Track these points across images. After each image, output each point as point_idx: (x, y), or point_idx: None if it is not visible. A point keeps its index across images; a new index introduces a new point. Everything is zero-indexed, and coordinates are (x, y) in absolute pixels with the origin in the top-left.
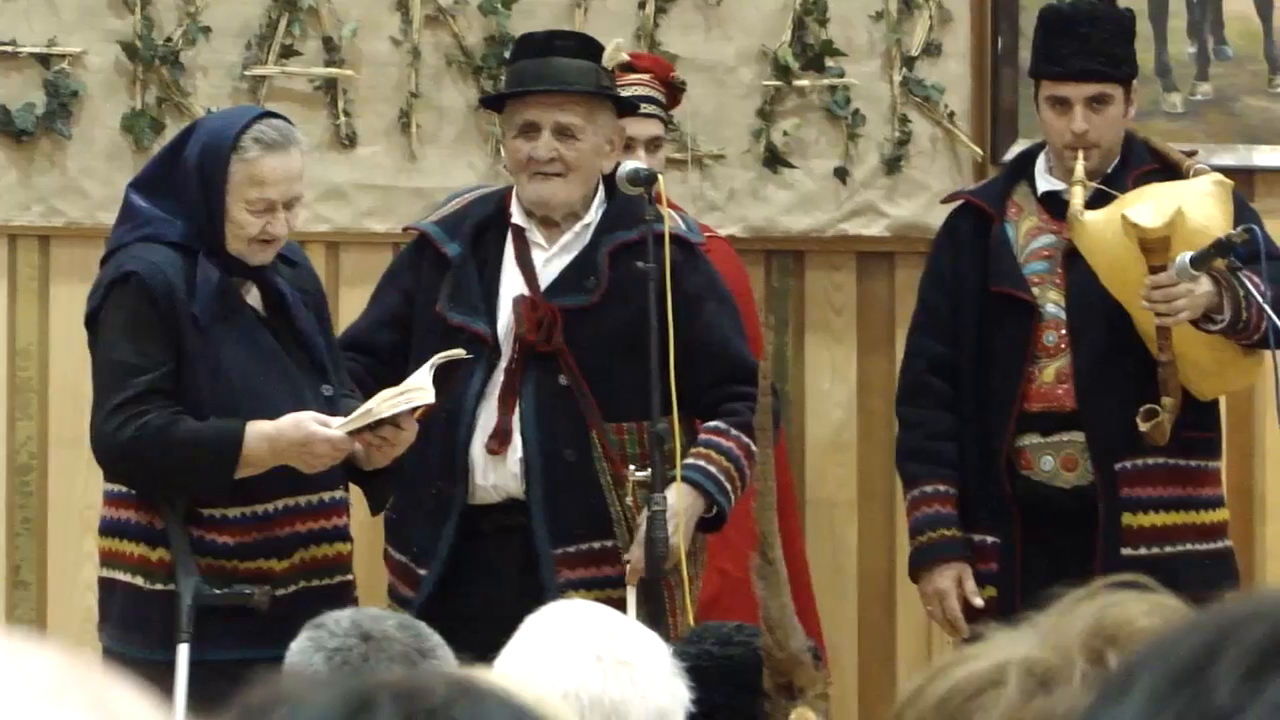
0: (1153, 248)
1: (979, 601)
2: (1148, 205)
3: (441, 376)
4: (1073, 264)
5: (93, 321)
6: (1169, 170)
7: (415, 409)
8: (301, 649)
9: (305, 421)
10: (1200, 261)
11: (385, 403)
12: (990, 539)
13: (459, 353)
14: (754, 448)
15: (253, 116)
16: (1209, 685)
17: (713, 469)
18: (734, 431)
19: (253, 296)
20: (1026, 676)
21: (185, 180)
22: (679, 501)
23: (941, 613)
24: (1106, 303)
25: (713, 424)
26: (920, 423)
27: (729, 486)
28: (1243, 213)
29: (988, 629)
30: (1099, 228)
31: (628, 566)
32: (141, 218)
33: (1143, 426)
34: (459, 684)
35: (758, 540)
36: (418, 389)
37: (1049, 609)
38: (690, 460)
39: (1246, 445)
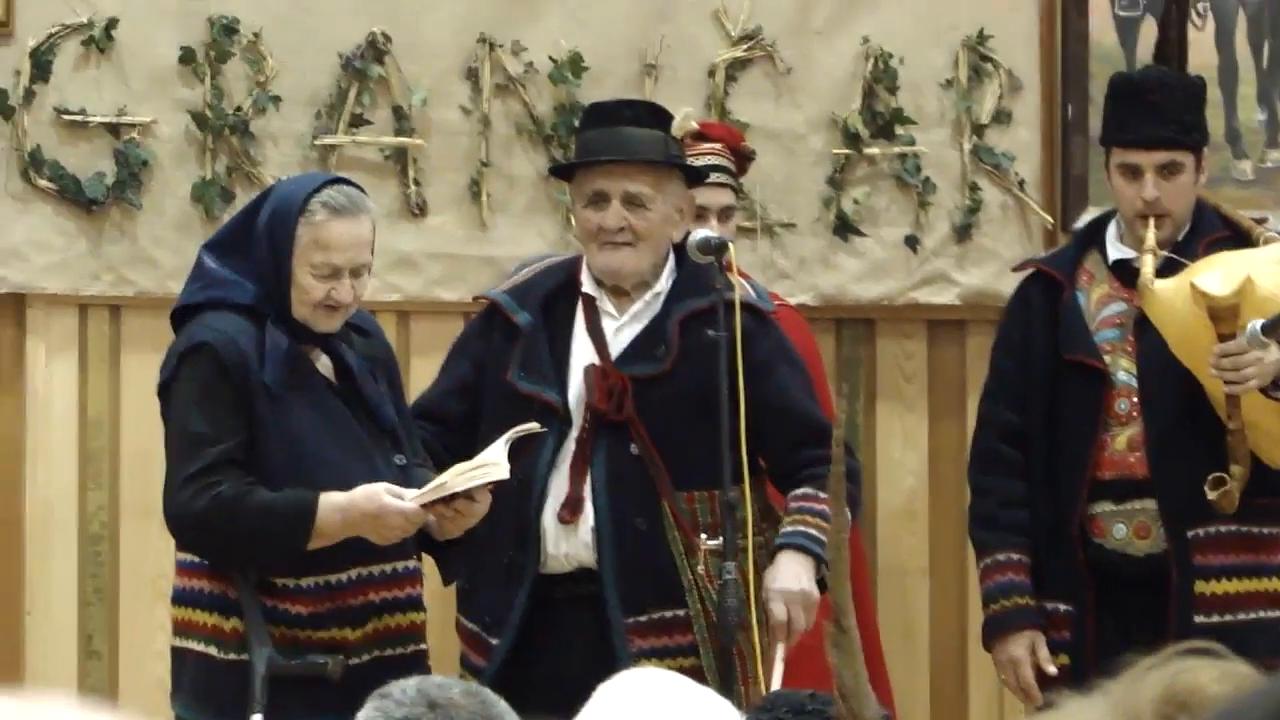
0: (1221, 315)
1: (1052, 669)
2: (1217, 273)
3: (515, 450)
4: (1144, 332)
5: (165, 391)
6: (1240, 238)
7: (489, 483)
8: (368, 717)
9: (379, 493)
10: (1272, 329)
11: (459, 476)
12: (1063, 607)
13: (534, 427)
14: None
15: (324, 181)
16: None
17: (814, 531)
18: (823, 495)
19: (323, 364)
20: None
21: (256, 243)
22: (788, 564)
23: (1015, 681)
24: (1178, 370)
25: (801, 491)
26: (992, 490)
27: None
28: None
29: (1061, 697)
30: (1169, 296)
31: (776, 627)
32: (210, 277)
33: (1211, 495)
34: None
35: (831, 608)
36: (493, 464)
37: (1121, 676)
38: (789, 528)
39: None
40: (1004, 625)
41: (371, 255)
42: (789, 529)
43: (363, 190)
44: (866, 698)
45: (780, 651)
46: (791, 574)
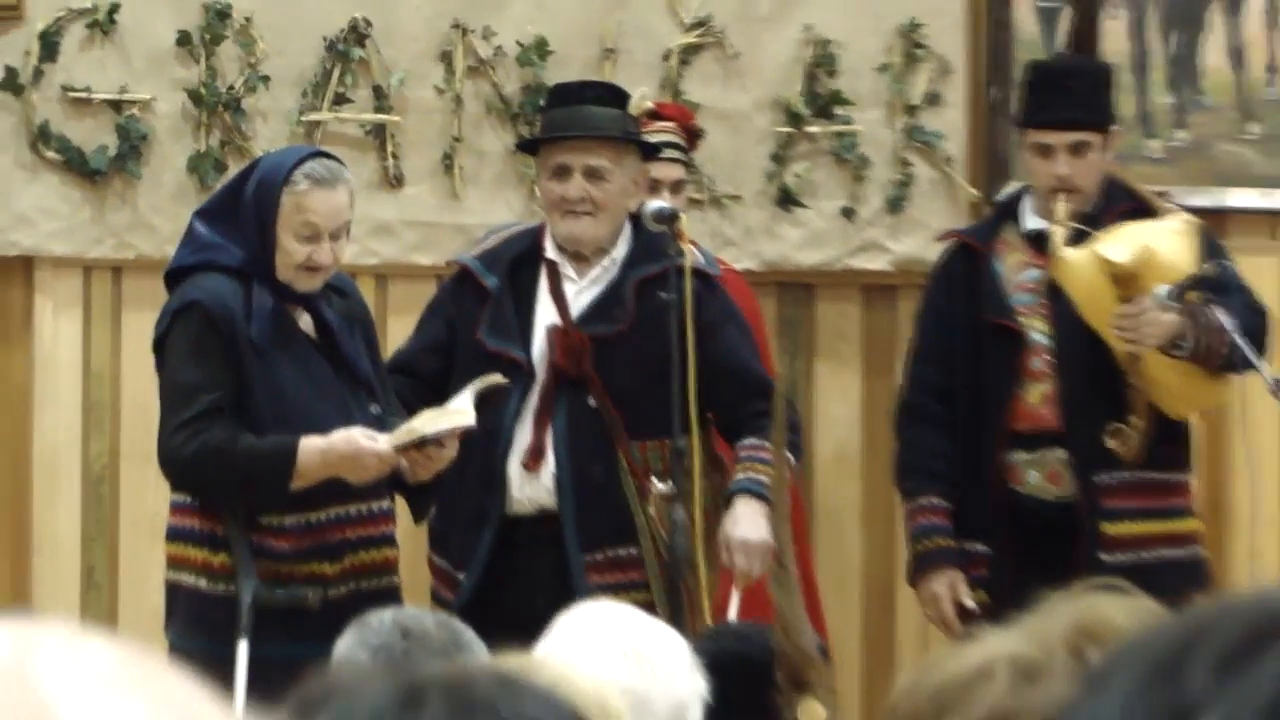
0: (1123, 281)
1: (971, 604)
2: (1120, 243)
3: (481, 401)
4: (1056, 296)
5: (159, 346)
6: (1144, 210)
7: (456, 430)
8: (347, 645)
9: (355, 436)
10: (1176, 293)
11: (429, 422)
12: (981, 547)
13: (497, 378)
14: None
15: (306, 154)
16: (1183, 679)
17: (764, 479)
18: (769, 444)
19: (305, 322)
20: (1013, 670)
21: (243, 211)
22: (746, 511)
23: (937, 615)
24: (1087, 332)
25: (749, 441)
26: (916, 442)
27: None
28: (1211, 249)
29: (979, 629)
30: (1077, 263)
31: (738, 574)
32: (201, 242)
33: (1110, 443)
34: (502, 679)
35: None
36: (460, 412)
37: (1034, 610)
38: (742, 475)
39: (1217, 461)
40: (927, 564)
41: (349, 221)
42: (742, 476)
43: (341, 162)
44: (804, 629)
45: (736, 595)
46: (751, 524)
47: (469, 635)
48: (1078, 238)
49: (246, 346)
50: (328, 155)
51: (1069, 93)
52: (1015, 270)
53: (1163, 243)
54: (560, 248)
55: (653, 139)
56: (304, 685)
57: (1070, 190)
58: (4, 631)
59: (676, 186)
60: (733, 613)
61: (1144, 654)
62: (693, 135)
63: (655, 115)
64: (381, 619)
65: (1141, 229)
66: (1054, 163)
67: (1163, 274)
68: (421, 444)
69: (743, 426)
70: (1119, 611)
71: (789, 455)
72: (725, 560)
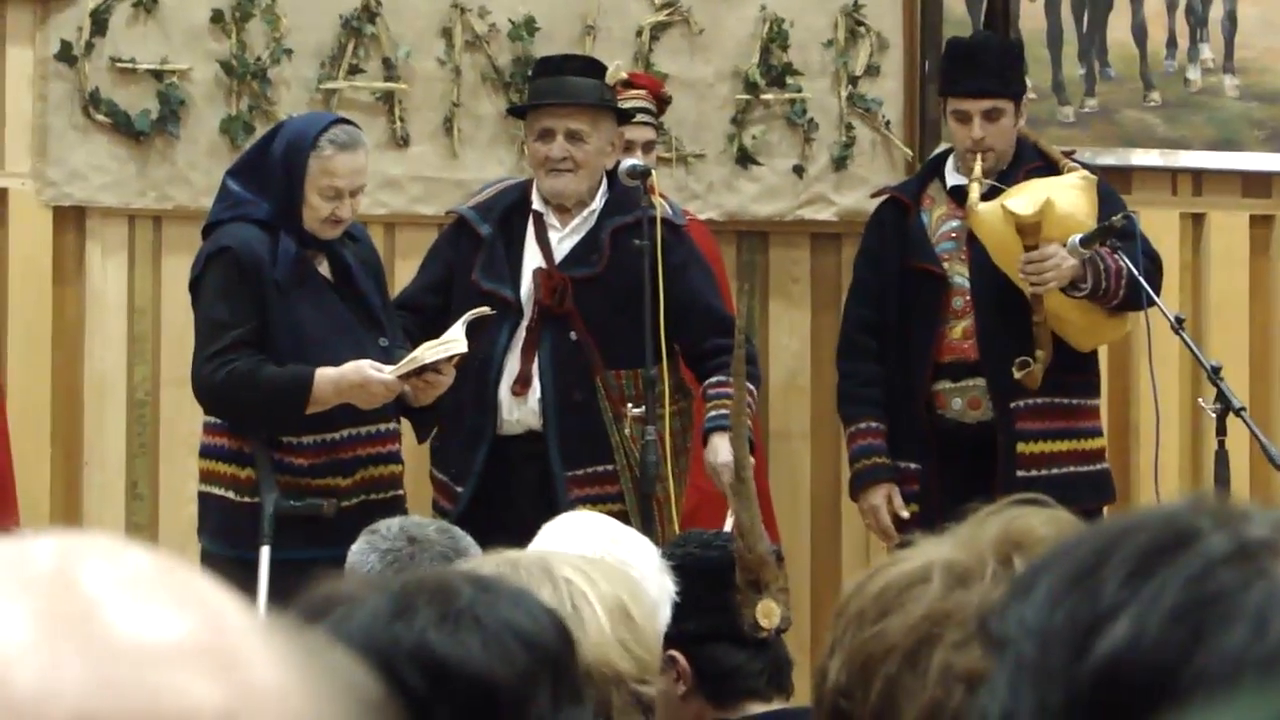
0: (1027, 230)
1: (905, 514)
2: (1024, 196)
3: (471, 330)
4: (974, 244)
5: (195, 286)
6: (1051, 168)
7: (452, 357)
8: (359, 550)
9: (364, 367)
10: (1087, 242)
11: (428, 351)
12: (913, 465)
13: (485, 310)
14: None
15: (329, 122)
16: (1098, 583)
17: (726, 412)
18: (730, 379)
19: (323, 267)
20: (947, 574)
21: (271, 170)
22: (724, 453)
23: (876, 524)
24: (1000, 275)
25: (715, 379)
26: (853, 373)
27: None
28: (1109, 201)
29: (915, 537)
30: (989, 215)
31: (721, 480)
32: (234, 199)
33: (1016, 374)
34: (481, 585)
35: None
36: (454, 340)
37: (966, 520)
38: (713, 413)
39: (1123, 387)
40: (865, 479)
41: (365, 179)
42: (713, 414)
43: (359, 128)
44: (760, 535)
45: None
46: (727, 451)
47: (467, 540)
48: (991, 193)
49: (271, 288)
50: (348, 122)
51: (983, 66)
52: (939, 221)
53: (1063, 196)
54: (545, 200)
55: (627, 105)
56: (311, 591)
57: (985, 151)
58: (49, 542)
59: (648, 147)
60: (729, 524)
61: (1063, 563)
62: (662, 102)
63: (629, 84)
64: (389, 526)
65: (1045, 184)
66: (970, 127)
67: (1062, 223)
68: (421, 371)
69: (705, 360)
70: (1041, 522)
71: (749, 385)
72: (713, 480)
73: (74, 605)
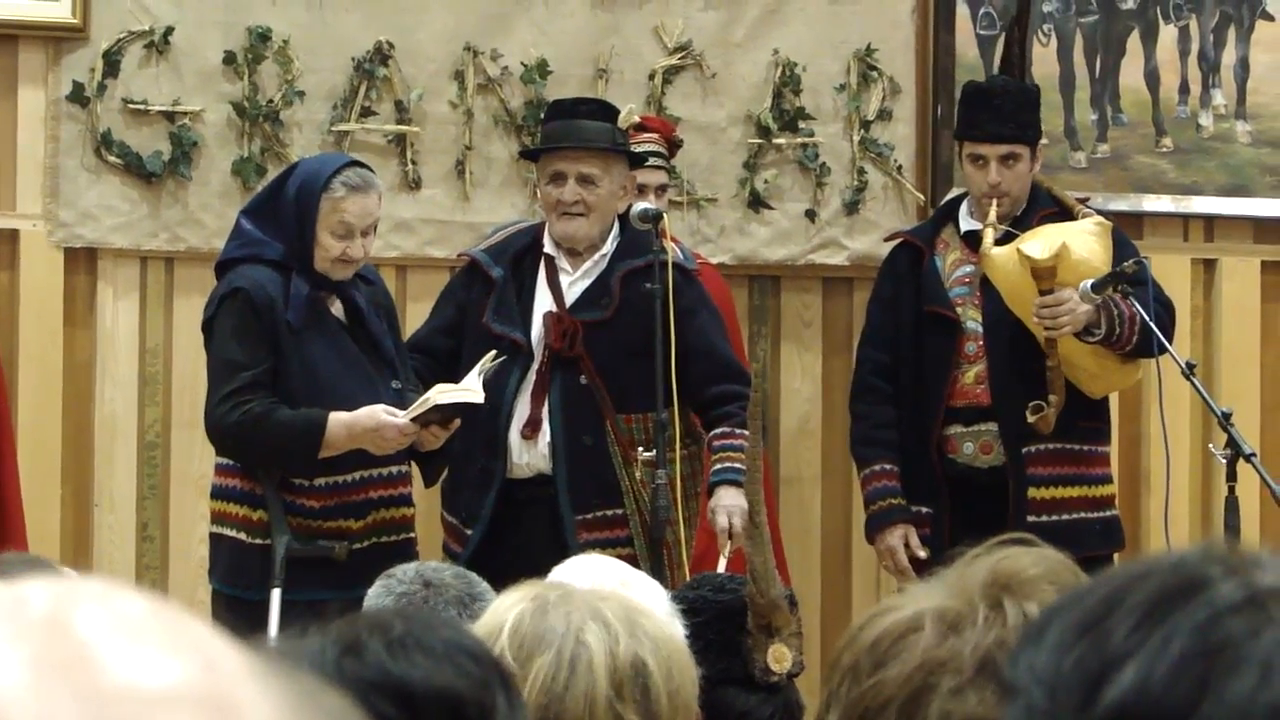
0: (1042, 275)
1: (923, 554)
2: (1039, 241)
3: (487, 381)
4: (988, 289)
5: (208, 327)
6: (1065, 213)
7: (465, 405)
8: (376, 593)
9: (377, 412)
10: (1099, 287)
11: (441, 394)
12: (925, 509)
13: (499, 358)
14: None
15: (343, 164)
16: (1107, 631)
17: (738, 465)
18: (738, 431)
19: (336, 308)
20: (939, 622)
21: (284, 210)
22: (727, 499)
23: (894, 565)
24: (1014, 320)
25: (720, 430)
26: (867, 416)
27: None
28: (1123, 247)
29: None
30: (1003, 259)
31: (720, 532)
32: (247, 237)
33: (1030, 419)
34: (403, 615)
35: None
36: (470, 390)
37: (953, 565)
38: (719, 465)
39: (1134, 434)
40: (882, 521)
41: (377, 220)
42: (719, 467)
43: (372, 170)
44: (773, 580)
45: (727, 550)
46: (731, 498)
47: (482, 585)
48: (1005, 237)
49: (284, 329)
50: (360, 164)
51: (1000, 111)
52: (953, 266)
53: (1077, 241)
54: (557, 244)
55: (639, 149)
56: (284, 632)
57: (1001, 196)
58: (44, 587)
59: (660, 190)
60: (722, 565)
61: (1073, 609)
62: (674, 145)
63: (641, 128)
64: (405, 571)
65: (1060, 229)
66: (987, 172)
67: (1076, 269)
68: (434, 413)
69: (710, 407)
70: (1029, 562)
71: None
72: (710, 521)
73: (68, 650)
